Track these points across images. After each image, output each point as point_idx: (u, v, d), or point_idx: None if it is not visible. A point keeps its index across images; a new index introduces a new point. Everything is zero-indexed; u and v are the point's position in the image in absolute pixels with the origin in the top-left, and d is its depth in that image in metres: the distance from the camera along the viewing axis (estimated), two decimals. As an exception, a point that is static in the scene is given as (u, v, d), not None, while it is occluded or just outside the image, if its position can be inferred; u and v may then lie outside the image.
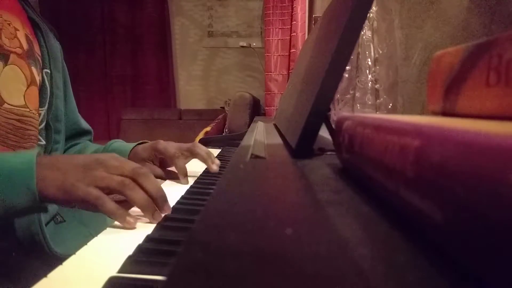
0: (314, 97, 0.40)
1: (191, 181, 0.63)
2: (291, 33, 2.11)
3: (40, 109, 0.65)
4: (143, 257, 0.31)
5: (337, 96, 0.91)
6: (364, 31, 0.85)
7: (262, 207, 0.25)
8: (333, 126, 0.38)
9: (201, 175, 0.67)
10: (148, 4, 3.48)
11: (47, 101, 0.66)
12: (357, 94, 0.87)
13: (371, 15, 0.85)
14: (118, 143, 0.73)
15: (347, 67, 0.87)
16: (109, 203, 0.41)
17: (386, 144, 0.21)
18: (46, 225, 0.61)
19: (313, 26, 1.46)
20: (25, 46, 0.62)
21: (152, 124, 3.29)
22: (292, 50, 2.06)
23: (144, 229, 0.40)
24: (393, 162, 0.19)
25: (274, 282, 0.14)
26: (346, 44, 0.37)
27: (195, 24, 3.52)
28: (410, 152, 0.17)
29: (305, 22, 1.92)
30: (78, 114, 0.82)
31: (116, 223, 0.41)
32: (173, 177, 0.67)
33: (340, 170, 0.35)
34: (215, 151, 1.00)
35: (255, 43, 3.31)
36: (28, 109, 0.61)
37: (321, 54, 0.47)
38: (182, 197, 0.51)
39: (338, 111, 0.92)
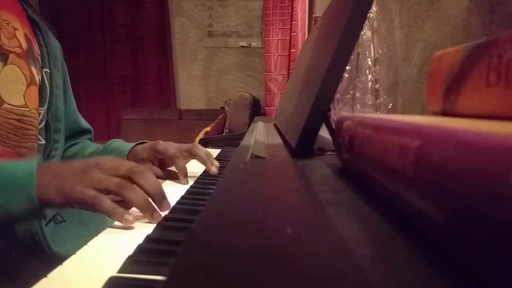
0: (314, 97, 0.40)
1: (191, 181, 0.63)
2: (291, 33, 2.11)
3: (40, 108, 0.65)
4: (143, 257, 0.31)
5: (337, 96, 0.91)
6: (364, 31, 0.85)
7: (262, 207, 0.25)
8: (333, 126, 0.38)
9: (201, 175, 0.67)
10: (148, 4, 3.48)
11: (47, 101, 0.66)
12: (357, 94, 0.87)
13: (371, 15, 0.85)
14: (117, 142, 0.73)
15: (347, 67, 0.87)
16: (106, 202, 0.41)
17: (386, 144, 0.21)
18: (46, 225, 0.61)
19: (313, 26, 1.46)
20: (24, 45, 0.62)
21: (152, 124, 3.29)
22: (292, 50, 2.06)
23: (144, 229, 0.40)
24: (393, 162, 0.19)
25: (274, 282, 0.14)
26: (346, 44, 0.37)
27: (195, 24, 3.51)
28: (410, 152, 0.17)
29: (305, 22, 1.92)
30: (78, 113, 0.82)
31: (116, 223, 0.41)
32: (173, 177, 0.67)
33: (340, 170, 0.35)
34: (215, 151, 1.00)
35: (255, 43, 3.31)
36: (28, 109, 0.61)
37: (321, 54, 0.47)
38: (182, 197, 0.51)
39: (338, 111, 0.92)
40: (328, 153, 0.44)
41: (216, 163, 0.66)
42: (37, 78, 0.64)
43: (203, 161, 0.65)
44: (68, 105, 0.77)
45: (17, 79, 0.60)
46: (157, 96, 3.58)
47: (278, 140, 0.63)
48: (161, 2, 3.46)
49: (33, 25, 0.68)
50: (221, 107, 3.36)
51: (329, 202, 0.24)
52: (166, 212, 0.44)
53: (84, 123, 0.84)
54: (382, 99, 0.82)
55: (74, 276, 0.29)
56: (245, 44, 3.27)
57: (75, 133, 0.81)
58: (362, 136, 0.26)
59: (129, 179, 0.43)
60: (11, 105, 0.58)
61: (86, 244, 0.35)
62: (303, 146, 0.42)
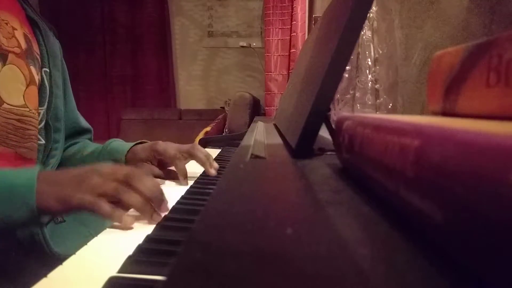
0: (314, 97, 0.40)
1: (191, 181, 0.63)
2: (291, 33, 2.11)
3: (39, 108, 0.65)
4: (143, 257, 0.31)
5: (337, 96, 0.91)
6: (364, 31, 0.85)
7: (262, 207, 0.25)
8: (333, 126, 0.38)
9: (200, 175, 0.67)
10: (148, 4, 3.48)
11: (47, 100, 0.66)
12: (357, 94, 0.87)
13: (371, 15, 0.85)
14: (116, 142, 0.73)
15: (347, 67, 0.87)
16: (105, 206, 0.41)
17: (386, 144, 0.21)
18: (46, 225, 0.61)
19: (313, 26, 1.46)
20: (23, 45, 0.62)
21: (152, 124, 3.29)
22: (292, 50, 2.06)
23: (144, 229, 0.40)
24: (393, 162, 0.19)
25: (274, 282, 0.14)
26: (346, 44, 0.37)
27: (195, 24, 3.51)
28: (410, 152, 0.17)
29: (305, 22, 1.92)
30: (78, 113, 0.82)
31: (116, 223, 0.41)
32: (173, 177, 0.67)
33: (340, 170, 0.35)
34: (215, 151, 1.00)
35: (255, 43, 3.31)
36: (27, 109, 0.61)
37: (321, 54, 0.47)
38: (182, 197, 0.51)
39: (338, 111, 0.92)
40: (328, 153, 0.44)
41: (215, 165, 0.66)
42: (37, 78, 0.64)
43: (202, 163, 0.65)
44: (68, 104, 0.77)
45: (16, 79, 0.59)
46: (157, 96, 3.58)
47: (278, 140, 0.63)
48: (161, 2, 3.46)
49: (33, 25, 0.67)
50: (221, 107, 3.36)
51: (329, 202, 0.24)
52: (166, 212, 0.44)
53: (84, 123, 0.84)
54: (382, 99, 0.82)
55: (74, 276, 0.29)
56: (245, 44, 3.27)
57: (74, 133, 0.80)
58: (362, 136, 0.26)
59: (127, 183, 0.44)
60: (11, 105, 0.58)
61: (86, 244, 0.36)
62: (303, 146, 0.42)
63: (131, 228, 0.41)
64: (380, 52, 0.83)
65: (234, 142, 1.15)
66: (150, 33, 3.50)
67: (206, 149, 0.69)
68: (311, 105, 0.40)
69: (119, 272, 0.29)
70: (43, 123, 0.66)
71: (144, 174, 0.45)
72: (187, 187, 0.57)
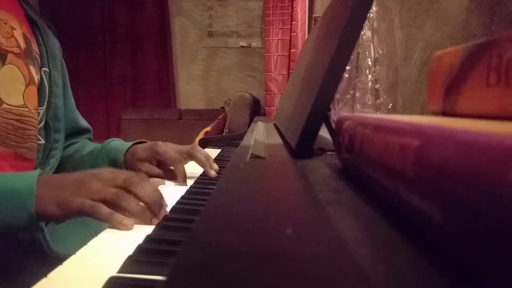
0: (314, 97, 0.40)
1: (191, 181, 0.63)
2: (291, 33, 2.10)
3: (39, 108, 0.65)
4: (143, 257, 0.31)
5: (337, 96, 0.91)
6: (364, 31, 0.85)
7: (262, 207, 0.25)
8: (333, 126, 0.38)
9: (200, 175, 0.67)
10: (148, 4, 3.48)
11: (46, 100, 0.66)
12: (357, 94, 0.87)
13: (371, 15, 0.85)
14: (115, 142, 0.73)
15: (347, 67, 0.87)
16: (103, 209, 0.41)
17: (386, 144, 0.21)
18: (46, 225, 0.61)
19: (313, 26, 1.46)
20: (22, 45, 0.62)
21: (152, 124, 3.29)
22: (292, 50, 2.06)
23: (144, 229, 0.40)
24: (393, 162, 0.19)
25: (274, 282, 0.14)
26: (346, 44, 0.37)
27: (195, 24, 3.51)
28: (410, 152, 0.17)
29: (305, 22, 1.92)
30: (77, 112, 0.82)
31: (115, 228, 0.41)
32: (173, 177, 0.67)
33: (340, 170, 0.35)
34: (215, 151, 1.00)
35: (255, 43, 3.31)
36: (27, 109, 0.61)
37: (321, 54, 0.47)
38: (182, 197, 0.51)
39: (338, 111, 0.92)
40: (328, 153, 0.44)
41: (215, 166, 0.66)
42: (36, 77, 0.64)
43: (202, 164, 0.65)
44: (68, 104, 0.77)
45: (15, 79, 0.59)
46: (157, 96, 3.58)
47: (278, 140, 0.63)
48: (161, 2, 3.46)
49: (32, 25, 0.67)
50: (221, 107, 3.36)
51: (329, 202, 0.24)
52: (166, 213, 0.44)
53: (83, 123, 0.83)
54: (382, 99, 0.82)
55: (74, 276, 0.29)
56: (245, 44, 3.27)
57: (74, 133, 0.80)
58: (362, 136, 0.26)
59: (126, 189, 0.44)
60: (10, 105, 0.58)
61: (86, 244, 0.35)
62: (303, 146, 0.42)
63: (130, 229, 0.41)
64: (380, 52, 0.83)
65: (234, 142, 1.15)
66: (150, 33, 3.50)
67: (206, 149, 0.69)
68: (311, 105, 0.40)
69: (119, 272, 0.29)
70: (42, 123, 0.66)
71: (144, 180, 0.45)
72: (187, 187, 0.57)
